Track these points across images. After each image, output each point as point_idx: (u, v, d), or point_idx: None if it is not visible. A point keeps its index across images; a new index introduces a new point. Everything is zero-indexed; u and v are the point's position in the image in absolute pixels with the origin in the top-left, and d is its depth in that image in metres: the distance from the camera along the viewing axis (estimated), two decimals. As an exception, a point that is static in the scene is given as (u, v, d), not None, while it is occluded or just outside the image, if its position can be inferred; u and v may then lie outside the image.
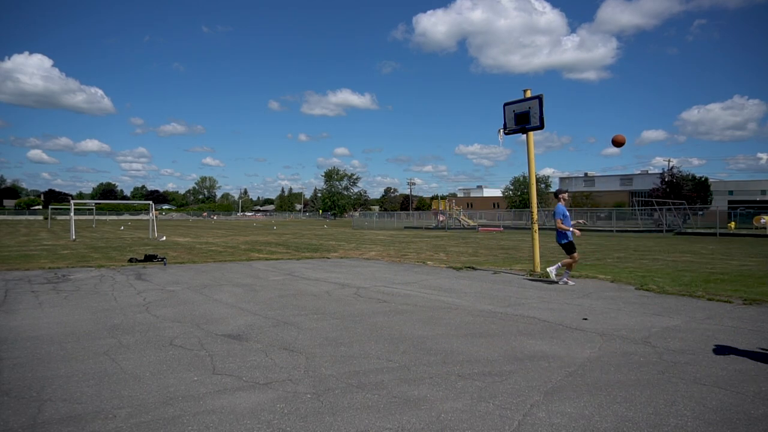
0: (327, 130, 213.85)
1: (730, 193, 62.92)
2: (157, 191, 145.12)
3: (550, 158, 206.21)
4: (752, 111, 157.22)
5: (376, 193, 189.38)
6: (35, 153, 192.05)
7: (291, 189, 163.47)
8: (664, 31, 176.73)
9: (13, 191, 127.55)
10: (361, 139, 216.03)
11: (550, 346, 4.81)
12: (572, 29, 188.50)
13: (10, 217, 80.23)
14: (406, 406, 3.31)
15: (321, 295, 7.87)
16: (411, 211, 78.76)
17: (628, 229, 36.50)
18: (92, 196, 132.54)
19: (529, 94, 10.34)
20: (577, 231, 9.00)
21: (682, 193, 43.16)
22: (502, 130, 10.76)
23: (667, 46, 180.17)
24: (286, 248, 18.49)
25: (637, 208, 42.73)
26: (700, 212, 39.26)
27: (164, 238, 25.21)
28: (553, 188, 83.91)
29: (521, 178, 79.96)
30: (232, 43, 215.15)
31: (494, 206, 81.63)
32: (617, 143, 8.88)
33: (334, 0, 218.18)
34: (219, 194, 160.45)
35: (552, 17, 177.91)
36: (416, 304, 7.11)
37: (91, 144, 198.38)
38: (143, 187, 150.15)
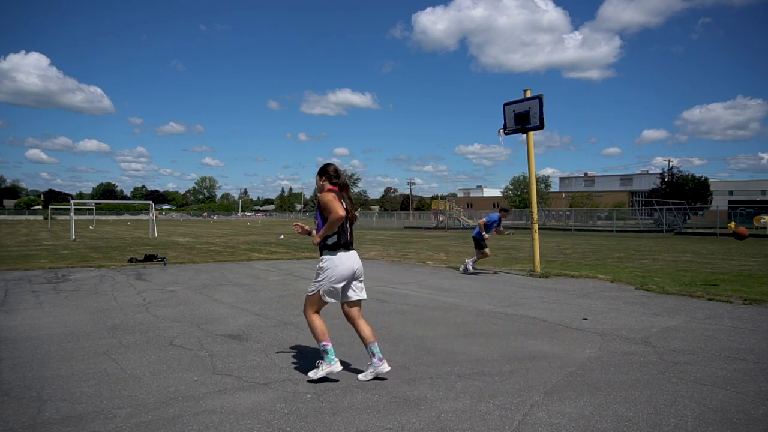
0: (327, 130, 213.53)
1: (731, 193, 62.98)
2: (157, 191, 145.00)
3: (551, 158, 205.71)
4: (754, 111, 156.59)
5: (376, 193, 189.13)
6: (34, 153, 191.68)
7: (291, 189, 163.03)
8: (668, 30, 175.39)
9: (13, 191, 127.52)
10: (361, 138, 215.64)
11: (550, 346, 4.81)
12: (575, 27, 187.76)
13: (10, 217, 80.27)
14: (406, 406, 3.32)
15: (321, 295, 7.86)
16: (411, 211, 78.78)
17: (628, 229, 36.53)
18: (92, 196, 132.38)
19: (529, 93, 10.34)
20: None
21: (685, 190, 43.09)
22: (502, 130, 10.77)
23: (671, 44, 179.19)
24: (286, 248, 18.48)
25: (637, 208, 42.70)
26: (700, 212, 39.24)
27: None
28: (554, 188, 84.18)
29: (521, 178, 79.88)
30: (231, 42, 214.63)
31: (494, 206, 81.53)
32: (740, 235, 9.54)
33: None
34: (219, 194, 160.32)
35: (554, 15, 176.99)
36: (416, 304, 7.11)
37: (90, 144, 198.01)
38: (143, 187, 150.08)
